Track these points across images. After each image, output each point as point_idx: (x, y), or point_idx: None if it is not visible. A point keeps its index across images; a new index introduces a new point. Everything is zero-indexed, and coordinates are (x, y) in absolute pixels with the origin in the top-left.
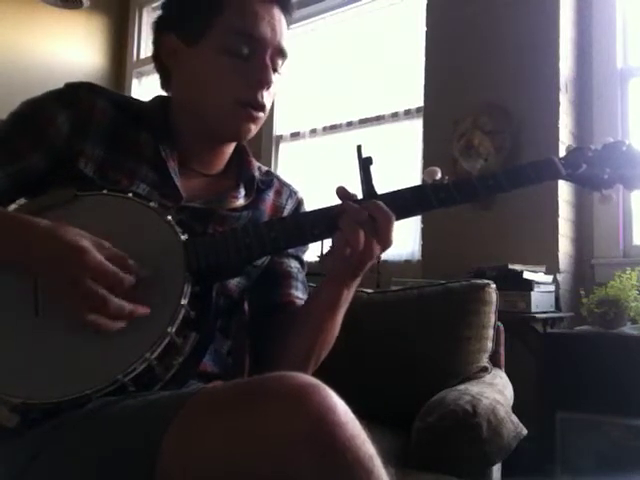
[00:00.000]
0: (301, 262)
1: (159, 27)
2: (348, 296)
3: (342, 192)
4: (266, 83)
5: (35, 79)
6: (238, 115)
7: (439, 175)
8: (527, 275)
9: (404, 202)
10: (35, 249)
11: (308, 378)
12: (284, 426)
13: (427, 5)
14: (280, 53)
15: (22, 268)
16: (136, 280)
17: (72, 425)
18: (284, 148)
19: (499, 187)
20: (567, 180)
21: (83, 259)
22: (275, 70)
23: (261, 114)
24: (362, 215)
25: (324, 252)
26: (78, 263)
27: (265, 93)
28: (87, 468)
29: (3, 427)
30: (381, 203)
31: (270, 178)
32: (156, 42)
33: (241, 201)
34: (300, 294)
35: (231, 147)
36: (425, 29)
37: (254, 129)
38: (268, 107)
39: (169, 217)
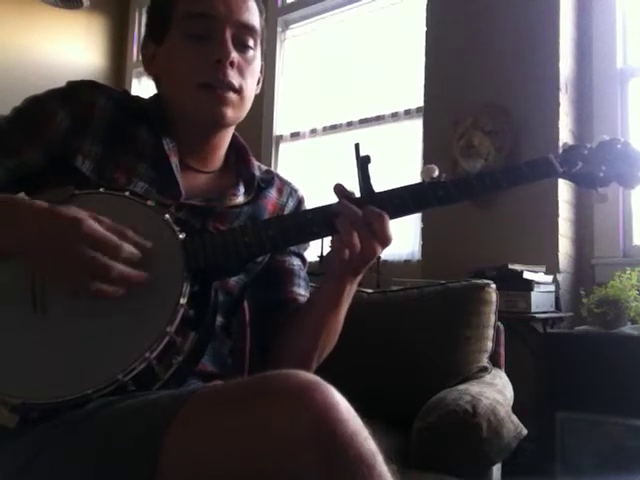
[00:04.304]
0: (302, 259)
1: (142, 41)
2: (351, 291)
3: (339, 189)
4: (225, 59)
5: (35, 79)
6: (203, 99)
7: (437, 173)
8: (527, 275)
9: (402, 200)
10: (30, 226)
11: (310, 376)
12: (286, 423)
13: (427, 5)
14: (244, 28)
15: (18, 248)
16: (139, 252)
17: (72, 425)
18: (284, 148)
19: (496, 185)
20: (563, 178)
21: (79, 228)
22: (245, 46)
23: (231, 94)
24: (356, 216)
25: (325, 253)
26: (73, 232)
27: (231, 72)
28: (87, 468)
29: (3, 427)
30: (371, 207)
31: (271, 176)
32: (142, 54)
33: (241, 198)
34: (302, 291)
35: (224, 140)
36: (425, 29)
37: (229, 111)
38: (242, 85)
39: (167, 216)
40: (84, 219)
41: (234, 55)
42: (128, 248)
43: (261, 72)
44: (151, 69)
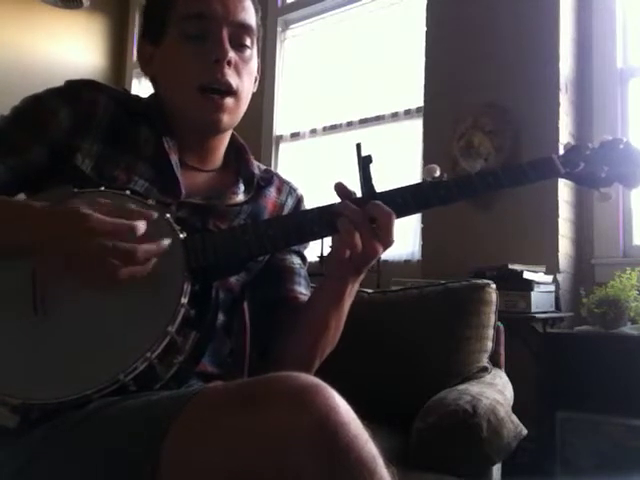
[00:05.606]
0: (303, 258)
1: (138, 42)
2: (353, 290)
3: (340, 189)
4: (223, 59)
5: (35, 79)
6: (200, 104)
7: (438, 172)
8: (527, 275)
9: (403, 200)
10: (37, 227)
11: (311, 378)
12: (287, 426)
13: (427, 5)
14: (241, 28)
15: (25, 250)
16: (149, 220)
17: (73, 425)
18: (284, 148)
19: (498, 184)
20: (565, 178)
21: (87, 222)
22: (242, 46)
23: (227, 99)
24: (359, 217)
25: (325, 253)
26: (84, 228)
27: (228, 71)
28: (87, 469)
29: (3, 427)
30: (380, 203)
31: (270, 175)
32: (138, 55)
33: (240, 197)
34: (303, 290)
35: (222, 141)
36: (425, 29)
37: (226, 117)
38: (239, 86)
39: (167, 215)
40: (89, 213)
41: (231, 54)
42: (141, 226)
43: (258, 71)
44: (148, 70)
